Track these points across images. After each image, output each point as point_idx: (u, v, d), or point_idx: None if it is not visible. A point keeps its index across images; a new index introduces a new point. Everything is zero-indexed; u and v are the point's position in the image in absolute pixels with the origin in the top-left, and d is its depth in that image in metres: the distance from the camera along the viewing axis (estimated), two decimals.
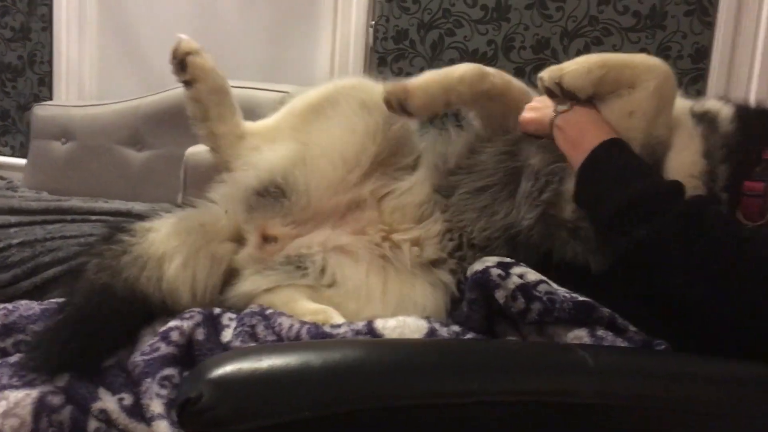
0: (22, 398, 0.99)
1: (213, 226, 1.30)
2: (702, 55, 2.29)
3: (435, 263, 1.31)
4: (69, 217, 2.06)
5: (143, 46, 2.82)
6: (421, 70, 2.47)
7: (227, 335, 1.12)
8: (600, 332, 1.06)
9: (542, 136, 1.23)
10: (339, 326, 1.09)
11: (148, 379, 1.01)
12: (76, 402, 1.01)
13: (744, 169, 1.12)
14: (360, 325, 1.08)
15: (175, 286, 1.22)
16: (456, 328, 1.14)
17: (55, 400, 1.00)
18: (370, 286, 1.27)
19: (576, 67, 1.15)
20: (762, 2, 2.23)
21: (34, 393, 1.00)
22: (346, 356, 0.78)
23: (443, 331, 1.10)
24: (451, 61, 2.47)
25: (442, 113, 1.36)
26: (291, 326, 1.10)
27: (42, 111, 2.77)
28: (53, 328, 1.11)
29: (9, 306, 1.21)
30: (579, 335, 1.06)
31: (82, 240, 1.75)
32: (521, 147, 1.28)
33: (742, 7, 2.24)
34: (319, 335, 1.07)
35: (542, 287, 1.11)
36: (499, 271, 1.13)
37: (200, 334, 1.11)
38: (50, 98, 3.02)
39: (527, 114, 1.26)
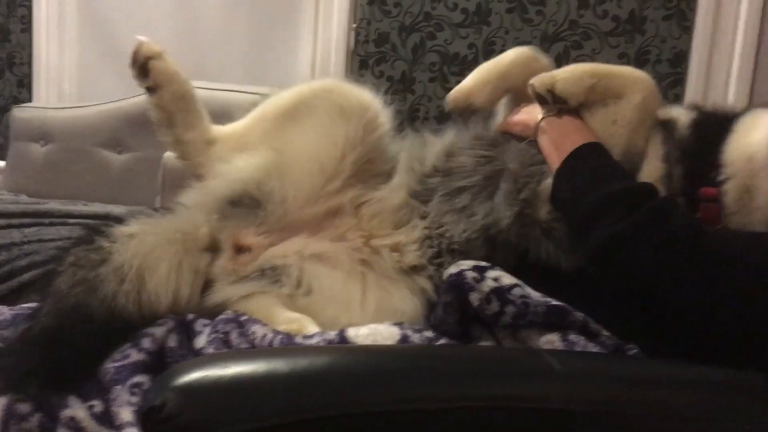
0: None
1: (192, 235, 1.26)
2: (680, 59, 2.31)
3: (415, 269, 1.30)
4: (47, 220, 2.04)
5: (124, 48, 2.75)
6: (402, 73, 2.52)
7: (200, 341, 1.12)
8: (572, 336, 1.08)
9: (526, 138, 1.26)
10: (311, 337, 1.08)
11: (118, 386, 1.00)
12: (46, 409, 1.00)
13: (698, 173, 1.16)
14: (332, 334, 1.07)
15: (156, 298, 1.18)
16: (429, 333, 1.14)
17: (24, 407, 0.99)
18: (349, 293, 1.25)
19: (568, 76, 1.20)
20: (739, 6, 2.25)
21: (2, 400, 0.99)
22: (314, 363, 0.77)
23: (416, 338, 1.10)
24: (432, 65, 2.49)
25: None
26: (264, 335, 1.09)
27: (21, 113, 2.75)
28: (22, 354, 1.05)
29: None
30: (551, 339, 1.07)
31: (60, 243, 1.74)
32: (500, 151, 1.30)
33: (720, 11, 2.26)
34: (291, 345, 1.06)
35: (516, 291, 1.11)
36: (474, 274, 1.13)
37: (173, 341, 1.10)
38: (29, 100, 3.00)
39: (516, 116, 1.30)
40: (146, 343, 1.08)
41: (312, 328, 1.14)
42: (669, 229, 1.03)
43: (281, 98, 1.36)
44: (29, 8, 2.96)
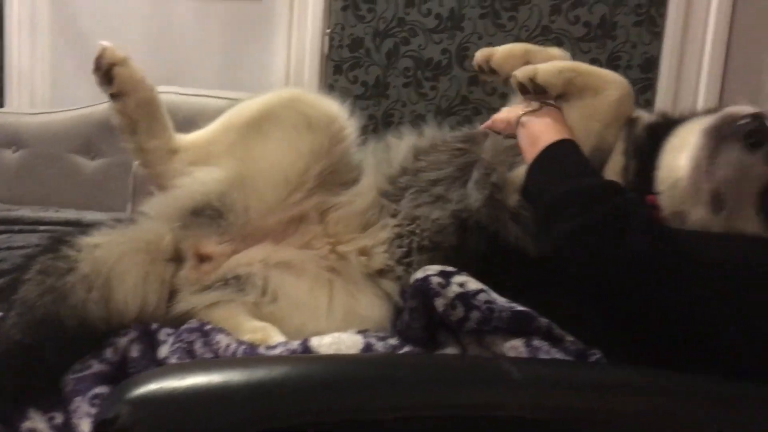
0: None
1: (156, 245, 1.24)
2: (651, 64, 2.34)
3: (382, 273, 1.30)
4: (17, 227, 2.02)
5: (98, 45, 2.78)
6: (377, 78, 2.53)
7: (164, 351, 1.11)
8: (536, 342, 1.08)
9: (507, 134, 1.31)
10: (275, 347, 1.08)
11: (79, 398, 0.99)
12: (5, 421, 0.99)
13: (647, 172, 1.19)
14: (295, 344, 1.07)
15: (124, 308, 1.17)
16: (393, 341, 1.13)
17: None
18: (315, 301, 1.25)
19: (549, 68, 1.26)
20: (708, 12, 2.28)
21: None
22: (270, 373, 0.77)
23: (379, 346, 1.10)
24: (406, 70, 2.49)
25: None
26: (228, 345, 1.08)
27: None
28: None
29: None
30: (515, 345, 1.07)
31: (29, 251, 1.72)
32: (476, 144, 1.33)
33: (689, 17, 2.29)
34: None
35: (482, 296, 1.12)
36: (439, 280, 1.13)
37: (135, 351, 1.09)
38: (1, 106, 2.97)
39: (499, 114, 1.36)
40: (108, 353, 1.07)
41: (276, 337, 1.14)
42: (629, 227, 1.05)
43: (247, 108, 1.35)
44: (0, 14, 2.93)
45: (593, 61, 2.33)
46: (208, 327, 1.15)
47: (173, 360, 1.07)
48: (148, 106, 1.31)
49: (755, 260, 1.05)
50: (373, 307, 1.26)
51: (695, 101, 2.30)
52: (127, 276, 1.18)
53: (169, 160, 1.32)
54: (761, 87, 2.26)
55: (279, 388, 0.76)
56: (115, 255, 1.19)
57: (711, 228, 1.11)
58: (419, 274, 1.16)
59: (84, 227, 1.38)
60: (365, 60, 2.52)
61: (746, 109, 1.10)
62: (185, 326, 1.16)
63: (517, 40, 2.38)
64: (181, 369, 0.80)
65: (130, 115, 1.30)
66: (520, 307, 1.12)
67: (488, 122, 1.39)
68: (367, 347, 1.10)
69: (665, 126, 1.26)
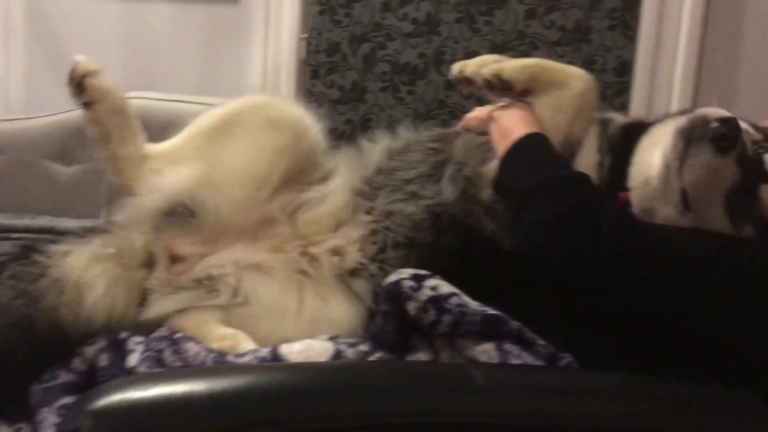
0: None
1: (128, 251, 1.26)
2: (625, 68, 2.36)
3: (355, 272, 1.31)
4: None
5: (71, 60, 2.76)
6: (354, 83, 2.53)
7: (133, 360, 1.10)
8: (507, 346, 1.09)
9: (479, 131, 1.34)
10: (243, 355, 1.08)
11: (45, 409, 0.98)
12: None
13: (621, 169, 1.22)
14: (265, 351, 1.07)
15: (94, 313, 1.18)
16: (364, 347, 1.14)
17: None
18: (285, 303, 1.25)
19: (514, 64, 1.30)
20: (681, 16, 2.30)
21: None
22: (234, 383, 0.77)
23: (350, 352, 1.10)
24: (383, 74, 2.50)
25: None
26: (197, 354, 1.08)
27: None
28: None
29: None
30: (486, 349, 1.08)
31: (2, 258, 1.71)
32: (449, 143, 1.36)
33: (663, 21, 2.31)
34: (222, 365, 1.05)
35: (454, 300, 1.12)
36: (411, 283, 1.14)
37: (104, 360, 1.09)
38: None
39: (472, 114, 1.40)
40: (76, 363, 1.06)
41: (245, 344, 1.14)
42: (599, 216, 1.06)
43: (213, 114, 1.38)
44: None
45: (568, 65, 2.34)
46: (177, 335, 1.14)
47: (142, 369, 1.07)
48: (118, 114, 1.34)
49: (721, 251, 1.07)
50: (343, 310, 1.27)
51: (669, 104, 2.32)
52: (98, 281, 1.19)
53: (139, 167, 1.34)
54: (734, 89, 2.28)
55: (242, 398, 0.76)
56: (85, 260, 1.21)
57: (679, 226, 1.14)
58: (392, 278, 1.17)
59: (56, 235, 1.39)
60: (342, 65, 2.52)
61: (719, 112, 1.12)
62: (155, 334, 1.16)
63: (493, 44, 2.40)
64: (145, 380, 0.80)
65: (102, 123, 1.33)
66: (491, 311, 1.12)
67: (462, 122, 1.43)
68: (338, 354, 1.10)
69: (640, 126, 1.29)
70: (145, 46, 2.68)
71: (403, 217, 1.29)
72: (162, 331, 1.17)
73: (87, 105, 1.32)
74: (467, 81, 1.35)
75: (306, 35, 2.53)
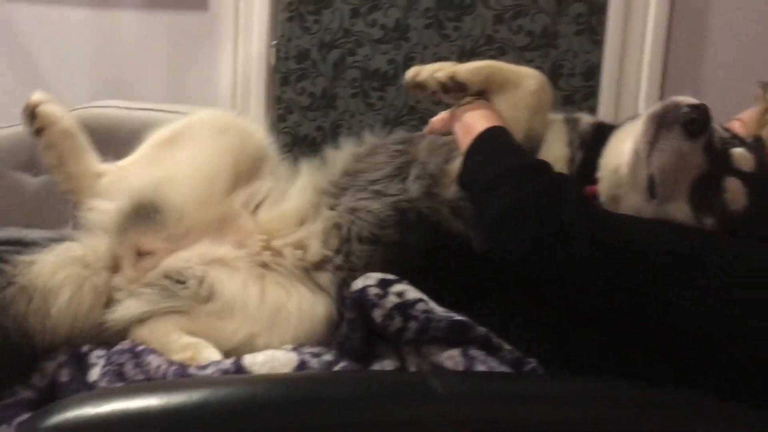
0: None
1: (93, 254, 1.29)
2: (593, 72, 2.38)
3: (319, 265, 1.33)
4: None
5: (39, 68, 2.73)
6: (324, 89, 2.53)
7: (94, 374, 1.09)
8: (472, 352, 1.09)
9: (444, 131, 1.38)
10: (206, 367, 1.07)
11: (3, 426, 0.97)
12: None
13: (592, 164, 1.25)
14: (228, 363, 1.07)
15: (59, 322, 1.19)
16: (328, 357, 1.14)
17: None
18: (247, 295, 1.27)
19: (468, 66, 1.35)
20: (647, 20, 2.33)
21: None
22: (190, 398, 0.76)
23: (314, 362, 1.10)
24: (353, 81, 2.50)
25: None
26: (159, 366, 1.08)
27: None
28: None
29: None
30: (452, 355, 1.08)
31: None
32: (411, 145, 1.38)
33: (629, 25, 2.34)
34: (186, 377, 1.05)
35: (420, 306, 1.13)
36: (377, 290, 1.14)
37: (64, 375, 1.08)
38: None
39: (436, 117, 1.45)
40: (35, 379, 1.05)
41: (207, 353, 1.15)
42: (560, 201, 1.09)
43: (164, 129, 1.46)
44: None
45: (537, 70, 2.36)
46: (139, 348, 1.14)
47: (103, 383, 1.06)
48: (69, 136, 1.42)
49: (683, 240, 1.10)
50: (306, 302, 1.29)
51: (636, 107, 2.34)
52: (64, 286, 1.22)
53: (96, 183, 1.41)
54: (699, 91, 2.31)
55: (198, 413, 0.75)
56: (51, 268, 1.23)
57: (643, 214, 1.16)
58: (359, 283, 1.17)
59: (24, 246, 1.40)
60: (312, 71, 2.52)
61: (690, 99, 1.14)
62: (116, 348, 1.16)
63: (462, 49, 2.42)
64: (99, 396, 0.79)
65: (55, 145, 1.41)
66: (458, 317, 1.13)
67: (428, 126, 1.46)
68: (302, 364, 1.10)
69: (611, 126, 1.33)
70: (113, 54, 2.66)
71: (366, 213, 1.31)
72: (124, 344, 1.17)
73: (39, 132, 1.41)
74: (420, 86, 1.38)
75: (275, 42, 2.53)
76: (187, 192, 1.34)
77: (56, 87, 2.67)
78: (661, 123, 1.13)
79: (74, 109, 2.50)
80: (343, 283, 1.28)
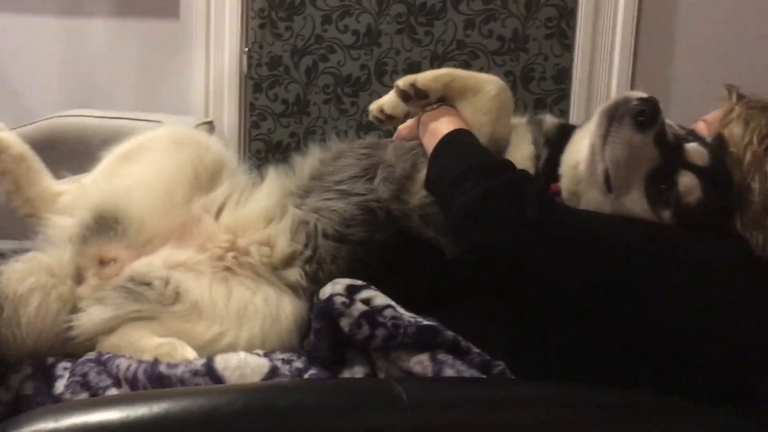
0: None
1: (58, 265, 1.28)
2: (563, 75, 2.40)
3: (288, 261, 1.33)
4: None
5: (8, 78, 2.71)
6: (297, 96, 2.53)
7: (60, 387, 1.08)
8: (441, 356, 1.10)
9: (411, 138, 1.39)
10: (177, 366, 1.07)
11: None
12: None
13: (555, 162, 1.28)
14: (198, 364, 1.07)
15: (28, 331, 1.17)
16: (299, 364, 1.13)
17: None
18: (213, 295, 1.27)
19: (428, 74, 1.37)
20: (615, 23, 2.35)
21: None
22: (150, 410, 0.76)
23: (285, 369, 1.10)
24: (326, 87, 2.50)
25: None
26: (128, 367, 1.07)
27: None
28: None
29: None
30: (421, 360, 1.09)
31: None
32: (378, 149, 1.40)
33: (597, 28, 2.36)
34: (155, 376, 1.05)
35: (388, 312, 1.13)
36: (343, 299, 1.14)
37: (29, 388, 1.06)
38: None
39: (403, 124, 1.45)
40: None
41: (182, 349, 1.15)
42: (523, 196, 1.11)
43: (120, 147, 1.45)
44: None
45: (508, 74, 2.39)
46: (105, 357, 1.13)
47: (68, 395, 1.05)
48: (23, 160, 1.43)
49: (642, 234, 1.13)
50: (272, 300, 1.28)
51: None
52: (33, 294, 1.20)
53: (54, 203, 1.42)
54: (667, 93, 2.34)
55: (159, 426, 0.75)
56: (19, 276, 1.22)
57: (602, 209, 1.19)
58: (327, 290, 1.17)
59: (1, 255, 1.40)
60: (285, 78, 2.52)
61: (641, 93, 1.17)
62: (81, 359, 1.14)
63: (434, 54, 2.43)
64: (60, 410, 0.78)
65: (10, 171, 1.42)
66: (425, 322, 1.13)
67: (396, 134, 1.47)
68: (273, 370, 1.10)
69: (574, 126, 1.36)
70: (84, 63, 2.64)
71: (331, 212, 1.33)
72: (90, 355, 1.16)
73: None
74: (389, 117, 1.43)
75: (247, 49, 2.52)
76: (146, 201, 1.34)
77: (26, 96, 2.65)
78: (613, 116, 1.16)
79: (45, 118, 2.49)
80: (315, 278, 1.30)
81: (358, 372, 1.13)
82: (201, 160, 1.40)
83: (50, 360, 1.15)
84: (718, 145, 1.24)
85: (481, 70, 2.40)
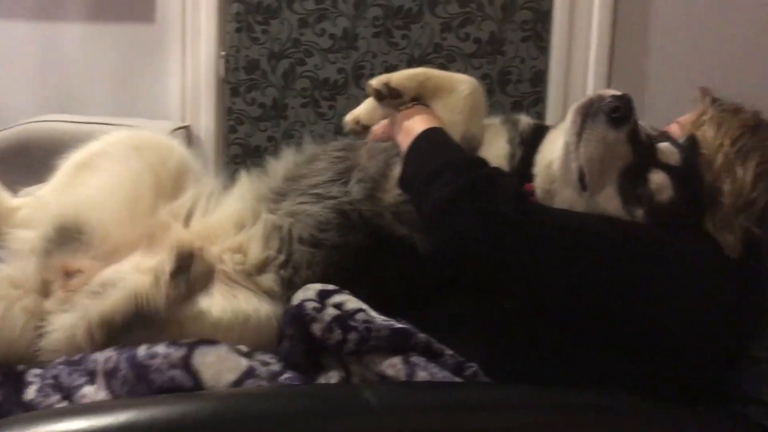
0: None
1: (21, 277, 1.26)
2: (540, 78, 2.41)
3: (261, 267, 1.33)
4: None
5: None
6: (274, 100, 2.52)
7: (31, 393, 1.07)
8: (413, 358, 1.11)
9: (386, 138, 1.40)
10: (155, 356, 1.06)
11: None
12: None
13: (530, 162, 1.30)
14: (176, 358, 1.07)
15: None
16: (276, 367, 1.14)
17: None
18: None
19: (402, 74, 1.39)
20: (591, 25, 2.37)
21: None
22: (117, 419, 0.75)
23: (262, 371, 1.10)
24: (304, 90, 2.50)
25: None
26: (108, 359, 1.07)
27: None
28: None
29: None
30: (394, 363, 1.10)
31: None
32: (352, 151, 1.41)
33: (573, 31, 2.38)
34: (135, 365, 1.05)
35: (360, 316, 1.14)
36: (314, 304, 1.15)
37: None
38: None
39: (378, 125, 1.47)
40: None
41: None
42: (496, 192, 1.12)
43: (76, 154, 1.42)
44: None
45: (485, 77, 2.39)
46: (77, 357, 1.12)
47: (39, 399, 1.04)
48: None
49: (614, 230, 1.15)
50: (251, 302, 1.28)
51: None
52: None
53: (11, 217, 1.38)
54: (643, 95, 2.35)
55: None
56: None
57: (576, 208, 1.20)
58: (299, 296, 1.18)
59: None
60: (262, 81, 2.51)
61: (614, 91, 1.19)
62: (52, 362, 1.14)
63: (411, 57, 2.43)
64: (25, 419, 0.77)
65: None
66: (398, 325, 1.14)
67: (370, 135, 1.48)
68: (250, 371, 1.10)
69: (548, 126, 1.39)
70: (58, 67, 2.61)
71: (306, 216, 1.33)
72: (60, 359, 1.15)
73: None
74: (365, 128, 1.45)
75: (224, 53, 2.51)
76: (108, 209, 1.32)
77: (0, 101, 2.62)
78: (587, 113, 1.17)
79: (19, 124, 2.46)
80: (290, 283, 1.29)
81: (333, 377, 1.14)
82: (163, 165, 1.39)
83: (21, 367, 1.14)
84: (690, 146, 1.25)
85: (458, 72, 2.42)
